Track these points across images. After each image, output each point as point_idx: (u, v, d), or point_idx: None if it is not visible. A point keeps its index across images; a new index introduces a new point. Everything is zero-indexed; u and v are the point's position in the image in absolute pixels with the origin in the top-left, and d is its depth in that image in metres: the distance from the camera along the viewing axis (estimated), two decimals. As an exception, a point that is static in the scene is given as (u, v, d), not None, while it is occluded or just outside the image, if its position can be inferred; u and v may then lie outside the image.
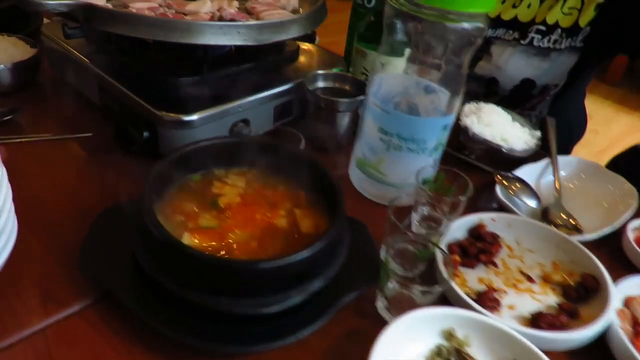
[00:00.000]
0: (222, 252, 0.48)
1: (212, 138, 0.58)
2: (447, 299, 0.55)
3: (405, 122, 0.62)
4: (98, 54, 0.76)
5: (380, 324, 0.53)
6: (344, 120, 0.78)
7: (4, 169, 0.48)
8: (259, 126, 0.76)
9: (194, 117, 0.66)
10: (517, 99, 1.05)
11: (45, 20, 1.05)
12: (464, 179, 0.65)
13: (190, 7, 0.76)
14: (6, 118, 0.73)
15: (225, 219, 0.52)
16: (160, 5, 0.74)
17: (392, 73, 0.68)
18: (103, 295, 0.51)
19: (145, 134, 0.66)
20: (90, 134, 0.75)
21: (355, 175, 0.72)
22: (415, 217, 0.66)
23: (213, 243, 0.49)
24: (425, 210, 0.66)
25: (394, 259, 0.61)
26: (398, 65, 0.67)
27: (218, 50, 0.78)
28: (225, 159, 0.59)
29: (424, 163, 0.65)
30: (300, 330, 0.47)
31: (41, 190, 0.63)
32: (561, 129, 0.87)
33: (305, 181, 0.58)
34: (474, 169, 0.78)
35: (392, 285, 0.53)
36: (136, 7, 0.72)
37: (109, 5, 0.69)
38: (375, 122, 0.64)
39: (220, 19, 0.74)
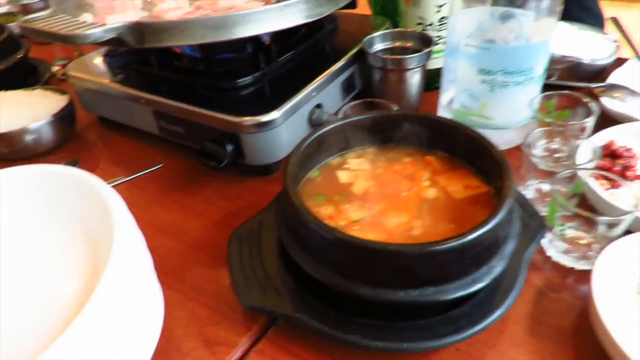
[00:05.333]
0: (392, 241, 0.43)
1: (316, 130, 0.51)
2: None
3: (511, 54, 0.56)
4: (143, 80, 0.70)
5: (563, 273, 0.49)
6: (415, 78, 0.72)
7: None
8: (331, 108, 0.70)
9: (274, 115, 0.60)
10: None
11: (55, 68, 0.99)
12: (577, 100, 0.60)
13: (223, 2, 0.70)
14: (68, 173, 0.67)
15: (372, 206, 0.47)
16: (197, 9, 0.67)
17: (462, 9, 0.62)
18: (267, 322, 0.47)
19: (229, 147, 0.61)
20: (161, 165, 0.69)
21: (451, 130, 0.66)
22: (536, 155, 0.61)
23: (377, 234, 0.43)
24: (544, 144, 0.61)
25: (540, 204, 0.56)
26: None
27: (266, 40, 0.72)
28: (335, 146, 0.53)
29: (532, 94, 0.60)
30: (494, 309, 0.42)
31: (150, 239, 0.57)
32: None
33: (430, 142, 0.52)
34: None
35: (567, 225, 0.48)
36: (170, 16, 0.66)
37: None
38: (473, 64, 0.58)
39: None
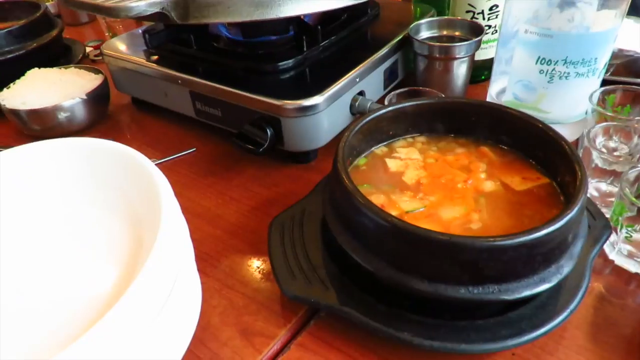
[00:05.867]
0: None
1: (370, 112, 0.48)
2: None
3: (575, 42, 0.52)
4: (181, 60, 0.68)
5: (626, 278, 0.46)
6: (462, 68, 0.69)
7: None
8: (373, 96, 0.67)
9: (317, 99, 0.57)
10: None
11: (88, 49, 0.97)
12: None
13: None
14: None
15: (425, 197, 0.44)
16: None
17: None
18: (307, 314, 0.44)
19: (270, 130, 0.58)
20: (194, 149, 0.67)
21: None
22: (593, 154, 0.57)
23: (432, 227, 0.40)
24: (602, 141, 0.57)
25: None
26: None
27: (309, 22, 0.69)
28: (384, 133, 0.50)
29: (592, 87, 0.56)
30: (558, 313, 0.38)
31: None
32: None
33: (485, 132, 0.49)
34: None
35: (638, 226, 0.44)
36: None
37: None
38: (531, 52, 0.55)
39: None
